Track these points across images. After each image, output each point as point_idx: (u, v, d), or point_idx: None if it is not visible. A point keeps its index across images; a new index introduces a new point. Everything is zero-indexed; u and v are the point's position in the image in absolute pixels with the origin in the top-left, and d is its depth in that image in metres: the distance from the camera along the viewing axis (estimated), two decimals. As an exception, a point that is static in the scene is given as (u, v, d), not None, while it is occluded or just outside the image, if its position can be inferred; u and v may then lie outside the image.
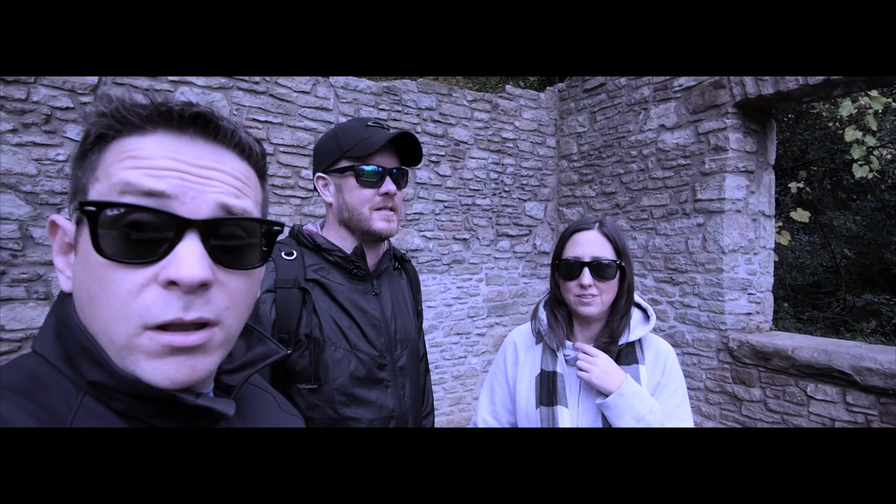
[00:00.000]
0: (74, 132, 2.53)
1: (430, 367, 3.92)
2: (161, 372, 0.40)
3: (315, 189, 1.12)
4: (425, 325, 3.79)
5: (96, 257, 0.39)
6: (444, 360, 3.94)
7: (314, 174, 1.12)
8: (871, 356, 2.60)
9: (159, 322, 0.39)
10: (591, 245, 1.11)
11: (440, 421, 3.89)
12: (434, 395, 3.86)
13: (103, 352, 0.41)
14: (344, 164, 1.05)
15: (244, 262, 0.45)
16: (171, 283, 0.39)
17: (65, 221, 0.44)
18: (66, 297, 0.45)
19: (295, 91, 3.22)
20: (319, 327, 1.00)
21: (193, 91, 2.86)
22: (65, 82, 2.52)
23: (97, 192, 0.41)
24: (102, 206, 0.39)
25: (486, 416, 1.25)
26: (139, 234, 0.39)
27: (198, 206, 0.41)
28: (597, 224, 1.14)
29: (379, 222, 1.05)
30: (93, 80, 2.59)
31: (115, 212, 0.39)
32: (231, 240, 0.43)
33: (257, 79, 3.08)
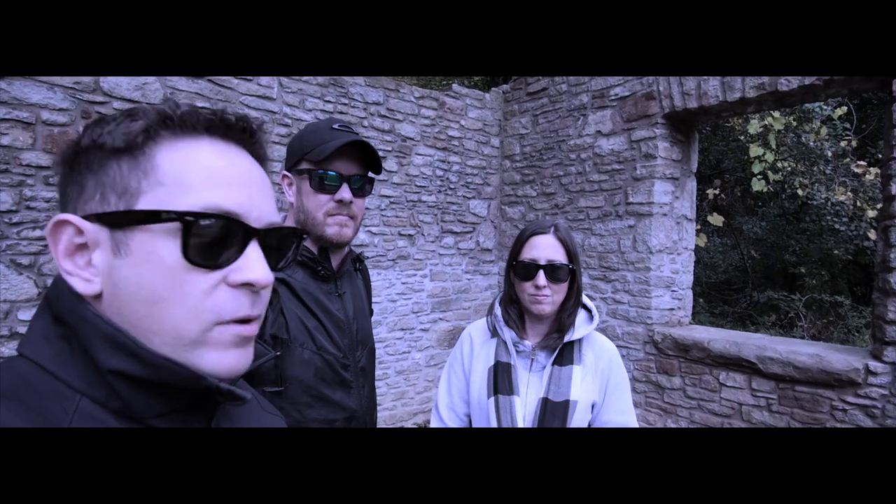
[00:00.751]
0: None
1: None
2: (226, 364, 0.44)
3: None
4: (369, 320, 3.78)
5: (171, 261, 0.42)
6: (388, 355, 3.94)
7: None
8: (772, 346, 2.93)
9: (235, 318, 0.44)
10: (546, 248, 1.18)
11: (383, 415, 3.90)
12: (377, 390, 3.87)
13: (130, 339, 0.41)
14: (303, 166, 1.04)
15: (280, 265, 0.51)
16: (245, 285, 0.44)
17: (82, 221, 0.42)
18: (59, 296, 0.42)
19: (236, 77, 3.08)
20: (286, 328, 0.99)
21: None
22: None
23: (166, 199, 0.42)
24: (199, 216, 0.42)
25: (444, 409, 1.29)
26: (219, 241, 0.43)
27: (257, 217, 0.46)
28: (552, 228, 1.21)
29: (331, 228, 1.03)
30: None
31: (208, 222, 0.42)
32: (274, 246, 0.49)
33: (195, 62, 2.91)
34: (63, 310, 0.42)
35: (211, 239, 0.42)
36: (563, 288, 1.19)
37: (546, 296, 1.17)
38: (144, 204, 0.41)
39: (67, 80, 2.50)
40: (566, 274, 1.18)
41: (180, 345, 0.42)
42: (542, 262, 1.17)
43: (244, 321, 0.45)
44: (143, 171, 0.42)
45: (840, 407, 2.67)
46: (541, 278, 1.16)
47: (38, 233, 2.42)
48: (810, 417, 2.77)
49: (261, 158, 0.51)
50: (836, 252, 6.65)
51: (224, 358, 0.44)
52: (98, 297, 0.42)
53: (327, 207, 1.02)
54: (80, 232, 0.42)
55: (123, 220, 0.41)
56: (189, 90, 2.90)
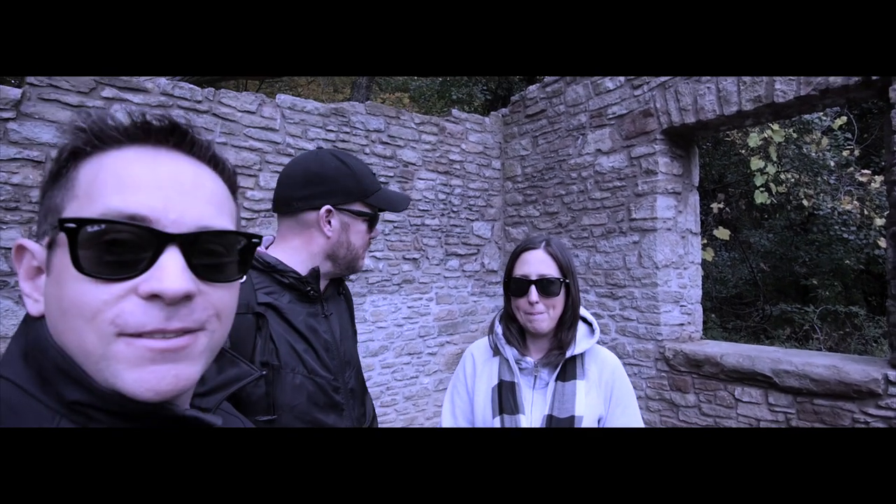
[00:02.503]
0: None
1: (382, 388, 3.88)
2: (144, 382, 0.39)
3: (277, 212, 1.10)
4: (377, 346, 3.76)
5: (72, 272, 0.39)
6: (396, 381, 3.90)
7: (315, 201, 1.04)
8: (787, 359, 2.86)
9: (143, 331, 0.39)
10: (537, 263, 1.18)
11: (392, 444, 3.83)
12: (386, 416, 3.81)
13: (81, 369, 0.40)
14: (361, 208, 1.08)
15: (225, 275, 0.45)
16: (154, 296, 0.39)
17: (34, 245, 0.44)
18: (34, 321, 0.43)
19: (239, 111, 3.16)
20: (276, 353, 0.96)
21: (129, 108, 2.74)
22: (-17, 96, 2.34)
23: (75, 210, 0.41)
24: (83, 222, 0.39)
25: None
26: (120, 250, 0.39)
27: (175, 220, 0.42)
28: (543, 243, 1.21)
29: (364, 259, 1.16)
30: (15, 94, 2.42)
31: (96, 228, 0.39)
32: (211, 255, 0.44)
33: (199, 97, 3.00)
34: (31, 338, 0.43)
35: (108, 246, 0.39)
36: (557, 302, 1.19)
37: (540, 312, 1.17)
38: None
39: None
40: (559, 288, 1.18)
41: (91, 361, 0.39)
42: (534, 277, 1.17)
43: (160, 333, 0.40)
44: (67, 188, 0.42)
45: (862, 420, 2.59)
46: (533, 294, 1.16)
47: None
48: (832, 432, 2.68)
49: (211, 161, 0.48)
50: (847, 262, 6.56)
51: (142, 377, 0.39)
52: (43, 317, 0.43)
53: (366, 242, 1.14)
54: (33, 255, 0.44)
55: (47, 239, 0.42)
56: (194, 124, 2.97)
